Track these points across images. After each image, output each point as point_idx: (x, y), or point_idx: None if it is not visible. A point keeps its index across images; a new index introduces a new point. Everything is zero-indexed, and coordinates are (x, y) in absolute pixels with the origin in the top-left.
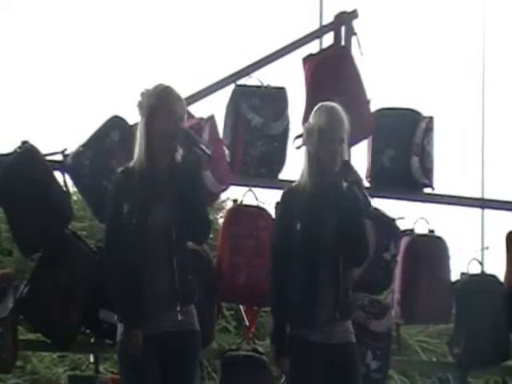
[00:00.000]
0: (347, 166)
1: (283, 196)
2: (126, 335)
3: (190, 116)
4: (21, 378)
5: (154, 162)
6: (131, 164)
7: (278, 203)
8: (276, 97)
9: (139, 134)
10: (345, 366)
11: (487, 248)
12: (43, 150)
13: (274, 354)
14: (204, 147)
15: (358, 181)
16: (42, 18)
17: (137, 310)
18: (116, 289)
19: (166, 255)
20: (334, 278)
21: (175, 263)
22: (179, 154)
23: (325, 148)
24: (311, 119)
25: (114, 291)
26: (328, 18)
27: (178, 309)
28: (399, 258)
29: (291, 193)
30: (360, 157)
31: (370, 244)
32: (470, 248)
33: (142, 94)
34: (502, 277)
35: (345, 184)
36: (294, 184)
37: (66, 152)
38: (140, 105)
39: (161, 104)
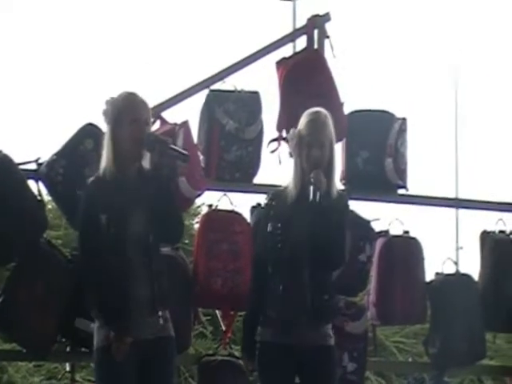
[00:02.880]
0: (316, 177)
1: (266, 200)
2: (116, 341)
3: (164, 122)
4: None
5: (123, 169)
6: (101, 172)
7: (253, 207)
8: (250, 101)
9: (106, 142)
10: (318, 369)
11: (461, 248)
12: (17, 159)
13: (243, 356)
14: (178, 148)
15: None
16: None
17: (124, 317)
18: (98, 297)
19: (145, 261)
20: (307, 281)
21: (154, 269)
22: (147, 159)
23: (304, 152)
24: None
25: (96, 299)
26: (301, 22)
27: (160, 314)
28: (374, 260)
29: (274, 197)
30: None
31: (346, 249)
32: (445, 248)
33: (107, 102)
34: (476, 276)
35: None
36: (279, 188)
37: (40, 160)
38: (105, 113)
39: (124, 110)
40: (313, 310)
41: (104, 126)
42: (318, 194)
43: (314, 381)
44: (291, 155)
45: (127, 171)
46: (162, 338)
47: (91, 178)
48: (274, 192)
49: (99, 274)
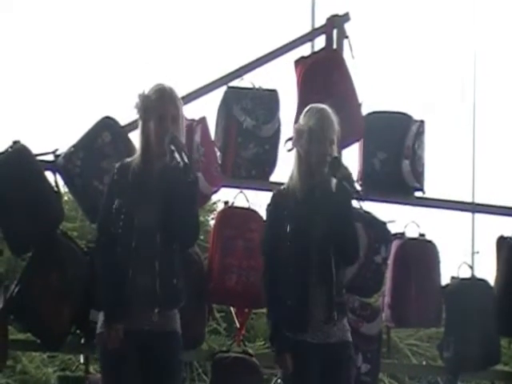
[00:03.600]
0: (336, 162)
1: (273, 199)
2: (107, 327)
3: None
4: (11, 378)
5: (149, 164)
6: (129, 160)
7: (268, 205)
8: (267, 99)
9: (138, 135)
10: (342, 364)
11: (477, 252)
12: (34, 150)
13: (275, 355)
14: (184, 155)
15: (347, 176)
16: (39, 19)
17: (118, 304)
18: (100, 281)
19: (150, 256)
20: (328, 278)
21: (157, 266)
22: (175, 155)
23: (314, 149)
24: (301, 120)
25: (99, 284)
26: (320, 21)
27: (156, 311)
28: (390, 262)
29: (281, 195)
30: (351, 160)
31: (359, 241)
32: (461, 252)
33: (139, 96)
34: (492, 281)
35: (334, 181)
36: (283, 186)
37: (58, 152)
38: (137, 106)
39: (152, 106)
40: (334, 305)
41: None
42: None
43: (338, 376)
44: (298, 149)
45: (152, 166)
46: (159, 333)
47: (117, 164)
48: (278, 191)
49: (105, 259)
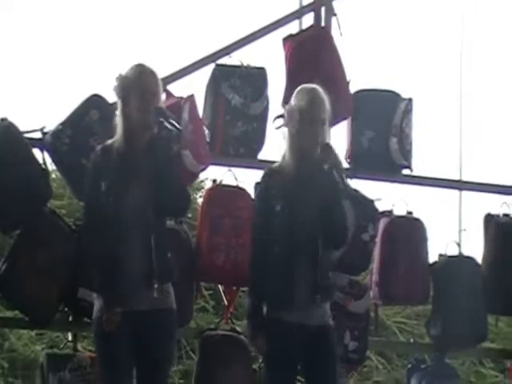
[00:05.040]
0: (327, 149)
1: (263, 177)
2: (105, 311)
3: (170, 95)
4: None
5: (132, 141)
6: (110, 142)
7: (257, 183)
8: (256, 77)
9: (117, 116)
10: (322, 347)
11: (465, 230)
12: (22, 128)
13: (249, 333)
14: (175, 123)
15: (337, 164)
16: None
17: (115, 287)
18: (94, 265)
19: (144, 233)
20: (313, 261)
21: (153, 241)
22: (165, 124)
23: (305, 129)
24: (292, 101)
25: (92, 267)
26: None
27: (155, 286)
28: (377, 240)
29: (271, 174)
30: (339, 138)
31: (349, 228)
32: (448, 230)
33: (117, 78)
34: (479, 259)
35: (324, 167)
36: (274, 165)
37: (45, 130)
38: (115, 88)
39: (133, 82)
40: (318, 287)
41: (112, 99)
42: (338, 174)
43: (316, 358)
44: (289, 130)
45: (136, 143)
46: (159, 310)
47: (99, 146)
48: (268, 170)
49: (97, 243)
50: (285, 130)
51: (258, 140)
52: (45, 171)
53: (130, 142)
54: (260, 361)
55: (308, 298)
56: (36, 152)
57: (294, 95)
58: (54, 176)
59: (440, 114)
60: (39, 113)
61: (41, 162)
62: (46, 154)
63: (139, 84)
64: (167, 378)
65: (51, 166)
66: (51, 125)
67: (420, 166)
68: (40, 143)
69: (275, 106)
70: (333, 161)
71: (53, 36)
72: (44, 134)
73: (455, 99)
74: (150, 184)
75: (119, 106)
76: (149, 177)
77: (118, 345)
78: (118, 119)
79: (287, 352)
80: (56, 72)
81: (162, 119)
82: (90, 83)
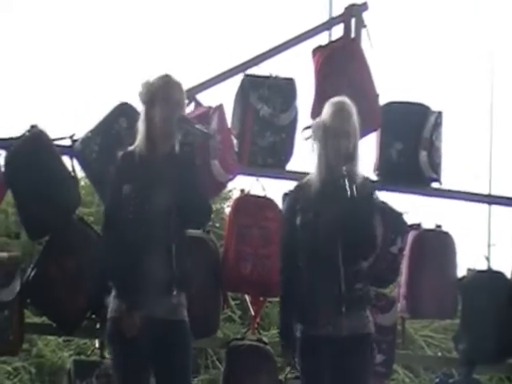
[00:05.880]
0: (350, 160)
1: (292, 190)
2: (126, 315)
3: (199, 105)
4: (26, 361)
5: (154, 149)
6: (132, 148)
7: (285, 194)
8: (285, 87)
9: (140, 122)
10: (355, 357)
11: (494, 244)
12: (52, 135)
13: (281, 351)
14: (201, 128)
15: (352, 176)
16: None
17: (137, 292)
18: (115, 269)
19: (164, 240)
20: (334, 273)
21: (174, 250)
22: (178, 140)
23: (329, 143)
24: (322, 114)
25: (112, 271)
26: (338, 10)
27: (175, 293)
28: (406, 252)
29: (300, 187)
30: (368, 150)
31: (378, 237)
32: (477, 244)
33: (143, 84)
34: (508, 273)
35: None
36: (305, 179)
37: (75, 137)
38: (140, 94)
39: (157, 90)
40: (347, 299)
41: (139, 107)
42: (354, 188)
43: (349, 369)
44: (314, 146)
45: (158, 151)
46: (173, 321)
47: (120, 152)
48: (298, 184)
49: (117, 245)
50: (313, 143)
51: (287, 151)
52: (74, 178)
53: (153, 149)
54: (287, 372)
55: (334, 311)
56: (65, 159)
57: (324, 108)
58: (82, 183)
59: (470, 128)
60: (69, 120)
61: (70, 169)
62: (75, 162)
63: (164, 92)
64: None
65: (80, 174)
66: (81, 132)
67: (449, 179)
68: (69, 150)
69: (304, 117)
70: (352, 172)
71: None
72: (73, 141)
73: (486, 112)
74: (171, 192)
75: (143, 112)
76: (171, 185)
77: (136, 348)
78: (141, 125)
79: (318, 366)
80: (84, 80)
81: (187, 126)
82: (120, 91)
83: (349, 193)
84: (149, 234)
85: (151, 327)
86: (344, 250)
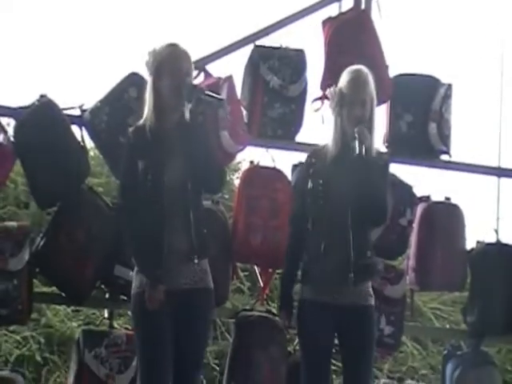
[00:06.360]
0: (366, 130)
1: (307, 157)
2: (149, 289)
3: (208, 75)
4: (35, 331)
5: (163, 120)
6: (141, 122)
7: (294, 165)
8: (294, 59)
9: (148, 93)
10: (357, 327)
11: (503, 217)
12: (61, 105)
13: (279, 313)
14: (213, 94)
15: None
16: None
17: (159, 265)
18: (135, 244)
19: (183, 210)
20: (346, 239)
21: (192, 218)
22: (187, 110)
23: (345, 110)
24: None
25: (133, 246)
26: None
27: (196, 261)
28: (415, 225)
29: (314, 154)
30: (378, 122)
31: (388, 205)
32: (486, 216)
33: (149, 53)
34: None
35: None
36: (319, 146)
37: (84, 107)
38: (147, 64)
39: (165, 61)
40: (355, 267)
41: (147, 77)
42: (363, 148)
43: (353, 340)
44: (332, 112)
45: (167, 122)
46: (198, 289)
47: (131, 128)
48: (313, 150)
49: (136, 221)
50: (329, 111)
51: (296, 122)
52: (83, 148)
53: (162, 120)
54: (296, 343)
55: (341, 278)
56: (75, 129)
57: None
58: (92, 154)
59: (479, 100)
60: (78, 90)
61: (79, 139)
62: (84, 132)
63: (171, 62)
64: (203, 356)
65: (89, 144)
66: (90, 102)
67: (459, 152)
68: (79, 120)
69: (313, 89)
70: (369, 142)
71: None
72: (83, 111)
73: (496, 85)
74: (186, 160)
75: (150, 83)
76: (184, 153)
77: (160, 323)
78: (149, 96)
79: (321, 332)
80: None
81: (199, 94)
82: (129, 61)
83: (357, 151)
84: (167, 207)
85: (174, 299)
86: (354, 216)
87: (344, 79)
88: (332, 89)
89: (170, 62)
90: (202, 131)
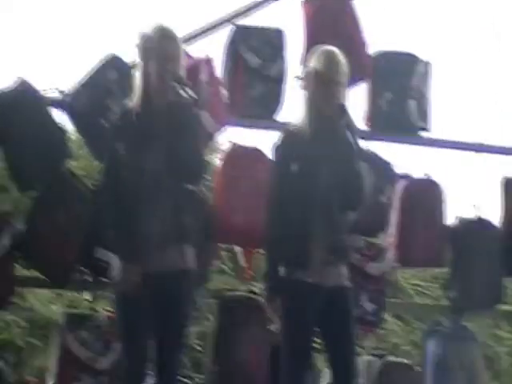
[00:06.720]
0: (342, 110)
1: (281, 139)
2: (125, 272)
3: (188, 56)
4: (17, 315)
5: (150, 104)
6: (129, 104)
7: (275, 146)
8: (274, 38)
9: (138, 76)
10: (339, 307)
11: (483, 194)
12: (41, 87)
13: (266, 295)
14: (190, 91)
15: (351, 125)
16: None
17: (134, 247)
18: (112, 226)
19: (161, 195)
20: (329, 222)
21: (169, 203)
22: (176, 95)
23: (321, 91)
24: (310, 62)
25: (110, 229)
26: None
27: (171, 248)
28: (395, 202)
29: (289, 135)
30: (358, 100)
31: (364, 189)
32: (466, 193)
33: (140, 37)
34: (497, 222)
35: (339, 128)
36: (291, 127)
37: (64, 90)
38: (138, 47)
39: (154, 45)
40: (338, 248)
41: (129, 59)
42: (354, 138)
43: (335, 319)
44: (306, 92)
45: (154, 107)
46: (175, 271)
47: (118, 110)
48: (287, 132)
49: (115, 204)
50: (302, 92)
51: (276, 101)
52: (63, 131)
53: (148, 105)
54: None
55: (323, 259)
56: (55, 112)
57: (311, 57)
58: (72, 137)
59: (459, 78)
60: (58, 73)
61: (59, 122)
62: (64, 114)
63: (160, 48)
64: (185, 338)
65: (70, 127)
66: (70, 85)
67: (439, 129)
68: (59, 103)
69: (293, 68)
70: (347, 122)
71: None
72: (62, 94)
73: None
74: (166, 148)
75: (140, 66)
76: (165, 141)
77: (138, 306)
78: (138, 80)
79: (304, 313)
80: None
81: (176, 85)
82: (109, 43)
83: (351, 142)
84: (146, 192)
85: (151, 282)
86: (337, 198)
87: (319, 59)
88: (306, 68)
89: (157, 47)
90: (188, 119)
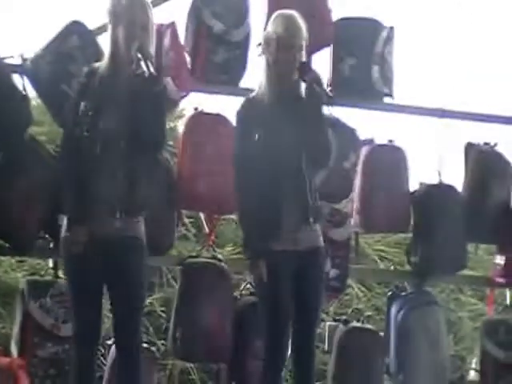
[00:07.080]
0: (304, 67)
1: (242, 106)
2: (72, 231)
3: None
4: None
5: (117, 69)
6: (97, 65)
7: (237, 112)
8: (238, 3)
9: (108, 40)
10: (312, 269)
11: (445, 159)
12: (1, 53)
13: (249, 263)
14: (151, 66)
15: (317, 79)
16: None
17: (81, 208)
18: (64, 185)
19: (114, 162)
20: (301, 184)
21: (120, 172)
22: (143, 64)
23: (282, 56)
24: (269, 27)
25: (63, 190)
26: None
27: (118, 216)
28: (358, 168)
29: (250, 103)
30: (321, 65)
31: (332, 146)
32: (429, 159)
33: (109, 3)
34: (459, 187)
35: (304, 87)
36: (252, 94)
37: (25, 56)
38: (108, 12)
39: (122, 11)
40: (312, 210)
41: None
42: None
43: (308, 281)
44: (266, 57)
45: (120, 72)
46: (123, 237)
47: (85, 69)
48: (248, 98)
49: (70, 164)
50: (262, 56)
51: (240, 67)
52: (25, 97)
53: (115, 69)
54: (242, 288)
55: (299, 222)
56: (16, 78)
57: (270, 21)
58: (34, 103)
59: (422, 43)
60: (19, 39)
61: (21, 88)
62: (26, 80)
63: (129, 15)
64: (141, 302)
65: (31, 93)
66: (31, 51)
67: (403, 94)
68: (20, 69)
69: (257, 34)
70: (311, 76)
71: None
72: (24, 60)
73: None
74: (126, 117)
75: (109, 32)
76: (126, 110)
77: (86, 268)
78: (107, 43)
79: (279, 281)
80: None
81: (139, 57)
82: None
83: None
84: (100, 154)
85: (100, 246)
86: (305, 158)
87: (279, 24)
88: (266, 33)
89: (126, 13)
90: (146, 93)
